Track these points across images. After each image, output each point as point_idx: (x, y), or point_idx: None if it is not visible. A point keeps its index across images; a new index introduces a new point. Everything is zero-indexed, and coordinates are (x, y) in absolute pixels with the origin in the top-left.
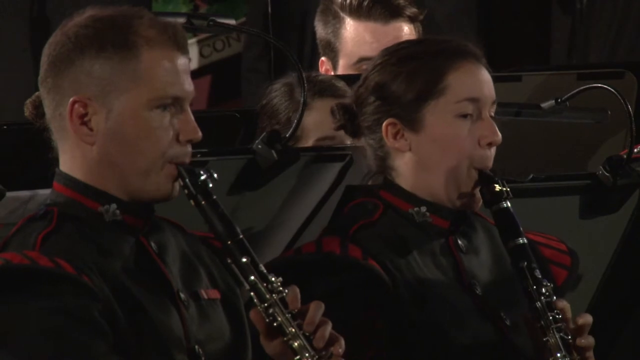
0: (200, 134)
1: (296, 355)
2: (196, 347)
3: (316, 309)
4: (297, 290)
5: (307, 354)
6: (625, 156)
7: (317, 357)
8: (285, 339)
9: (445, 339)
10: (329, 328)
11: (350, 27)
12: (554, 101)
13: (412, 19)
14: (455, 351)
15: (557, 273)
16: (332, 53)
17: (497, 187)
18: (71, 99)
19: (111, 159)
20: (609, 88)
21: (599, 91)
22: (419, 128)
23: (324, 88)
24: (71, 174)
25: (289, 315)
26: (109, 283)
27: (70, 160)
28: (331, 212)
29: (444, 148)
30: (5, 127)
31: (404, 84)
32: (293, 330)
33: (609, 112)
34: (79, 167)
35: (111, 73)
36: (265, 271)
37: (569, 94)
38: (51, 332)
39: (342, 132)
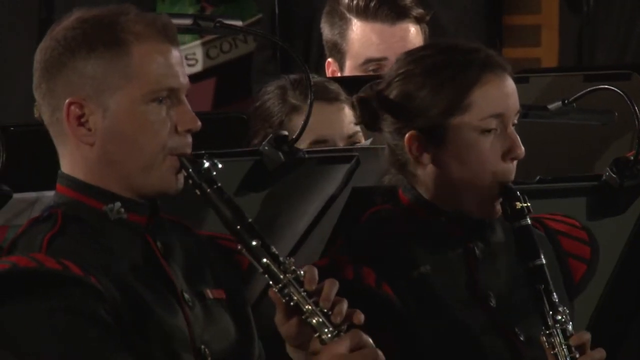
0: (199, 123)
1: (315, 332)
2: (202, 347)
3: (331, 286)
4: (315, 270)
5: (326, 330)
6: (632, 157)
7: (336, 332)
8: (303, 317)
9: (457, 357)
10: (345, 304)
11: (356, 28)
12: (561, 102)
13: (418, 20)
14: None
15: (575, 267)
16: (339, 54)
17: (519, 205)
18: (67, 101)
19: (112, 157)
20: (616, 90)
21: (606, 93)
22: (442, 143)
23: (316, 91)
24: (73, 175)
25: (304, 293)
26: (115, 283)
27: (71, 162)
28: (338, 213)
29: (466, 164)
30: (12, 128)
31: (429, 97)
32: (310, 307)
33: (616, 114)
34: (80, 168)
35: (104, 72)
36: (276, 252)
37: (576, 96)
38: (61, 332)
39: (335, 136)
